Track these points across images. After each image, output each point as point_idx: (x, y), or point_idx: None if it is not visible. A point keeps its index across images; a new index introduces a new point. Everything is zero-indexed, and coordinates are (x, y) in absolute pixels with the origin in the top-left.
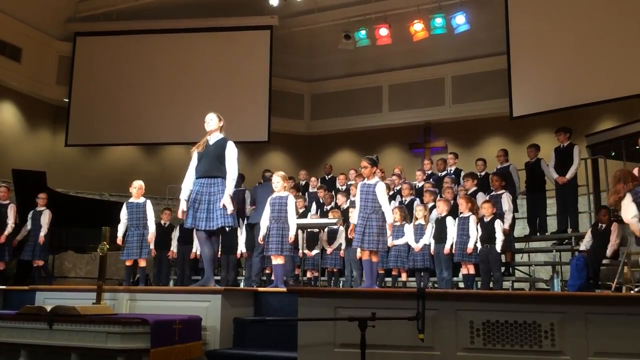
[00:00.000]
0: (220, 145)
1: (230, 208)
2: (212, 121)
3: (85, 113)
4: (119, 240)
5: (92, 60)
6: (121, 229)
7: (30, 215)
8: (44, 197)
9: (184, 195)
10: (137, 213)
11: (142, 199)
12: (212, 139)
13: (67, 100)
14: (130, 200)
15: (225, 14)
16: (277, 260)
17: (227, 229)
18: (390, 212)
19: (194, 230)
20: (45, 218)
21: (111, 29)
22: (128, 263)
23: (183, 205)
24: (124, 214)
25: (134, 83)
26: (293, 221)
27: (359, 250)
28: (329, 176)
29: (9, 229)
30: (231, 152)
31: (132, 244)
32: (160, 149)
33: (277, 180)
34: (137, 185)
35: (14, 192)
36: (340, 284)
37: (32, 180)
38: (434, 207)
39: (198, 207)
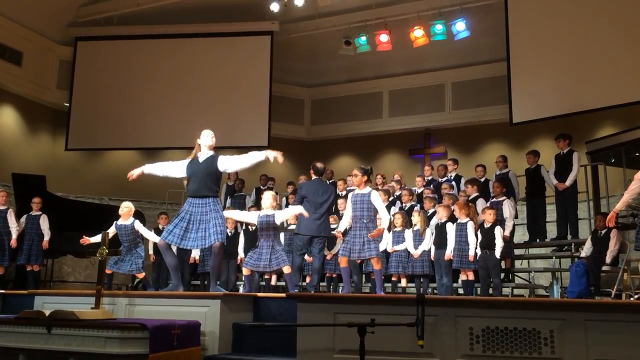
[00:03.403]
0: (210, 162)
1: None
2: (210, 138)
3: (86, 117)
4: (88, 240)
5: (93, 64)
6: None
7: (24, 219)
8: (38, 202)
9: (148, 167)
10: (126, 235)
11: (129, 221)
12: (202, 156)
13: (68, 104)
14: (119, 222)
15: (226, 19)
16: (285, 270)
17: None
18: (388, 218)
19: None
20: (46, 223)
21: (112, 33)
22: (108, 272)
23: (140, 169)
24: (112, 230)
25: (135, 88)
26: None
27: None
28: (330, 182)
29: (15, 233)
30: (226, 159)
31: (120, 259)
32: (160, 153)
33: (268, 198)
34: (125, 206)
35: (13, 196)
36: (340, 290)
37: (31, 184)
38: (434, 213)
39: (187, 227)
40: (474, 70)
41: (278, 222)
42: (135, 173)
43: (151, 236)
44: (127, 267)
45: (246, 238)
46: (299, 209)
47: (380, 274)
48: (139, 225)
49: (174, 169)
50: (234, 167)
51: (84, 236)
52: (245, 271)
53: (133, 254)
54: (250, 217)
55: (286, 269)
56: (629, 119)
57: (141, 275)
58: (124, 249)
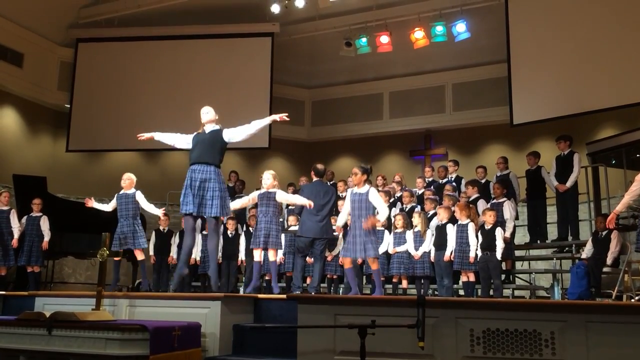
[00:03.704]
0: (216, 133)
1: None
2: (210, 112)
3: (87, 119)
4: (92, 203)
5: (94, 66)
6: (104, 206)
7: (24, 220)
8: (39, 203)
9: (158, 134)
10: (126, 204)
11: (132, 190)
12: (208, 128)
13: (69, 105)
14: (121, 192)
15: (226, 20)
16: (270, 255)
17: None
18: (386, 212)
19: (183, 220)
20: (47, 224)
21: (113, 35)
22: (117, 258)
23: (150, 134)
24: (113, 202)
25: (135, 89)
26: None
27: (343, 257)
28: (331, 183)
29: (17, 233)
30: (231, 129)
31: (122, 234)
32: (161, 155)
33: (268, 177)
34: (126, 178)
35: (14, 197)
36: (340, 291)
37: (32, 185)
38: (434, 214)
39: (197, 194)
40: (474, 71)
41: (279, 199)
42: (145, 136)
43: (151, 208)
44: (130, 245)
45: (247, 240)
46: (305, 200)
47: (378, 274)
48: (140, 196)
49: (181, 140)
50: (239, 136)
51: (91, 199)
52: (255, 254)
53: (133, 231)
54: (251, 196)
55: (271, 255)
56: (630, 120)
57: (141, 255)
58: (121, 220)
